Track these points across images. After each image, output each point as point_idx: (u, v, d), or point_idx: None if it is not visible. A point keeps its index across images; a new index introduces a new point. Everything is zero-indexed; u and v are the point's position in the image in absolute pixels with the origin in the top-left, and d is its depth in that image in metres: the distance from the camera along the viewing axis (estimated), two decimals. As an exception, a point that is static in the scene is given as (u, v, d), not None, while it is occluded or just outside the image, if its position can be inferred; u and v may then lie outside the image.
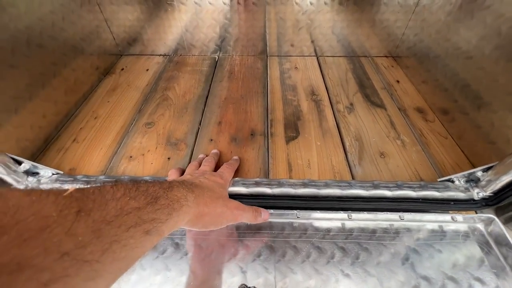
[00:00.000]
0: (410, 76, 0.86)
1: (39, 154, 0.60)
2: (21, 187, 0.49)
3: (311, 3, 0.85)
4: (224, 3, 0.85)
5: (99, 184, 0.51)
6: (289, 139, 0.64)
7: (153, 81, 0.84)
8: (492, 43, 0.55)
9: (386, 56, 0.96)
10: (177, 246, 0.48)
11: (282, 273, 0.45)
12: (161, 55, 0.98)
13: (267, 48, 0.97)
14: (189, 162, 0.58)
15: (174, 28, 0.91)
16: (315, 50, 0.97)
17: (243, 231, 0.50)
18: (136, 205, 0.27)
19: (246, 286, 0.44)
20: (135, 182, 0.30)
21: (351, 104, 0.74)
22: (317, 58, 0.96)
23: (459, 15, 0.65)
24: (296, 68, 0.90)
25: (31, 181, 0.50)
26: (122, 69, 0.89)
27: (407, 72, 0.87)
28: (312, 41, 0.96)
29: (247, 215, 0.45)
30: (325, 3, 0.85)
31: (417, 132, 0.66)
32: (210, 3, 0.85)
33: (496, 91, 0.55)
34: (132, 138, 0.64)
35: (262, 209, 0.48)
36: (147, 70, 0.89)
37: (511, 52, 0.51)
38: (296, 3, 0.86)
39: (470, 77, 0.62)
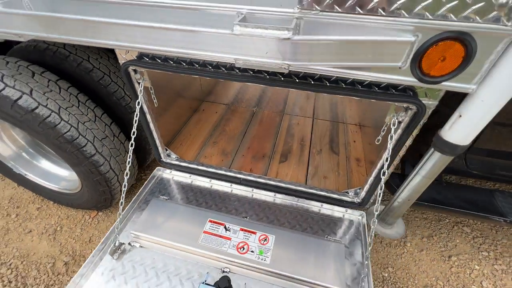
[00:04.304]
0: (363, 139, 1.45)
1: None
2: (166, 160, 1.20)
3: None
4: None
5: (194, 165, 1.19)
6: (281, 162, 1.28)
7: (219, 119, 1.55)
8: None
9: (355, 124, 1.56)
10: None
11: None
12: (224, 104, 1.70)
13: (285, 109, 1.64)
14: (231, 164, 1.24)
15: (233, 86, 1.63)
16: (313, 113, 1.62)
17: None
18: None
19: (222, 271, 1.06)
20: None
21: (320, 150, 1.36)
22: (313, 119, 1.60)
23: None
24: (297, 124, 1.55)
25: (169, 159, 1.21)
26: (203, 109, 1.63)
27: (364, 136, 1.47)
28: (314, 107, 1.61)
29: None
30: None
31: (349, 170, 1.26)
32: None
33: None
34: (207, 148, 1.34)
35: None
36: (216, 112, 1.61)
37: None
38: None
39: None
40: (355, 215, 1.07)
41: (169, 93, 1.25)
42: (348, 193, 1.09)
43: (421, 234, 1.52)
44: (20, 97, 0.96)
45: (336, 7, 0.55)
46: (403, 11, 0.53)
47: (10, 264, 1.34)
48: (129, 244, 0.94)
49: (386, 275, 1.35)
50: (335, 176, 1.22)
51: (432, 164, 0.80)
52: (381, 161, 0.87)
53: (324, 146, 1.39)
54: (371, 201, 1.05)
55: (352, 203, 1.06)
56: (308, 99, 1.61)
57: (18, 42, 1.14)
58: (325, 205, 1.09)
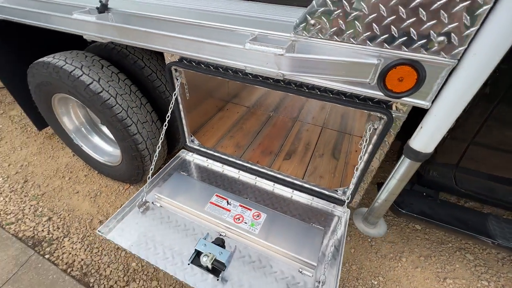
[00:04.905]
0: (365, 150, 1.58)
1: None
2: (190, 145, 1.46)
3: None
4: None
5: (211, 152, 1.44)
6: (284, 159, 1.47)
7: (239, 119, 1.79)
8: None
9: (361, 137, 1.70)
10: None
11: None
12: (245, 106, 1.95)
13: (299, 116, 1.83)
14: (242, 155, 1.46)
15: (256, 93, 1.87)
16: (323, 123, 1.79)
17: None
18: None
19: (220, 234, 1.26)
20: None
21: (322, 154, 1.53)
22: (322, 128, 1.77)
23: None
24: (307, 130, 1.73)
25: (192, 144, 1.46)
26: (227, 109, 1.89)
27: (366, 148, 1.60)
28: (325, 118, 1.78)
29: None
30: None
31: (345, 174, 1.40)
32: (274, 91, 1.78)
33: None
34: (224, 140, 1.58)
35: None
36: (238, 112, 1.86)
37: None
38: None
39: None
40: (340, 211, 1.22)
41: (201, 92, 1.53)
42: (337, 191, 1.24)
43: (419, 253, 1.57)
44: (91, 83, 1.28)
45: (320, 35, 0.76)
46: (368, 41, 0.72)
47: (60, 215, 1.68)
48: (153, 203, 1.19)
49: (376, 283, 1.44)
50: (330, 177, 1.38)
51: (403, 168, 0.94)
52: (362, 163, 1.03)
53: (327, 151, 1.56)
54: (357, 201, 1.19)
55: (340, 200, 1.22)
56: (321, 110, 1.79)
57: (93, 41, 1.51)
58: (316, 199, 1.26)
